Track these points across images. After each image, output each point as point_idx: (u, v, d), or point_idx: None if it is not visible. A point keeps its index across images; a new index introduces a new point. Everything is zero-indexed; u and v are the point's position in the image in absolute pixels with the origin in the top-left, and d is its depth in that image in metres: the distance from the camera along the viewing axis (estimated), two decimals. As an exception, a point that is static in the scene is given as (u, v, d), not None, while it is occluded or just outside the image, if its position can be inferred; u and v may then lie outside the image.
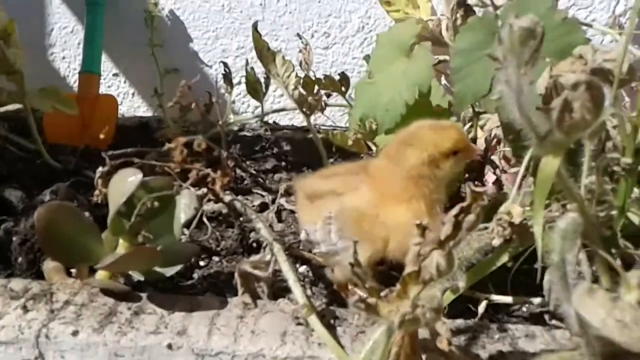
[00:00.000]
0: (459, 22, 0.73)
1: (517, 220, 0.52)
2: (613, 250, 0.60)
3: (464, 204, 0.49)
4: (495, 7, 0.69)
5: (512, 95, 0.39)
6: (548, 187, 0.45)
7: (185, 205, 0.61)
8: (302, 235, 0.65)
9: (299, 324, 0.55)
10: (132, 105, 1.26)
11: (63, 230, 0.59)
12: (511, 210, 0.53)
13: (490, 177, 0.99)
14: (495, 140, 0.87)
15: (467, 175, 0.97)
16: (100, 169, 0.63)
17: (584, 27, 0.98)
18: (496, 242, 0.55)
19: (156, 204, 0.59)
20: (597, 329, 0.31)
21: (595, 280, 0.58)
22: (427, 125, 0.63)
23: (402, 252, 0.54)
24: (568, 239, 0.44)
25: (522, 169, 0.56)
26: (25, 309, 0.56)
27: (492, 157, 0.95)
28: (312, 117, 0.99)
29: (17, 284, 0.60)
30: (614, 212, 0.58)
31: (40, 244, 0.63)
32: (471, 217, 0.48)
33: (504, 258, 0.59)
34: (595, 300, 0.32)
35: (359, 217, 0.62)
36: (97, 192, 0.63)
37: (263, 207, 0.90)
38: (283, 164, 1.09)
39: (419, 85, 0.67)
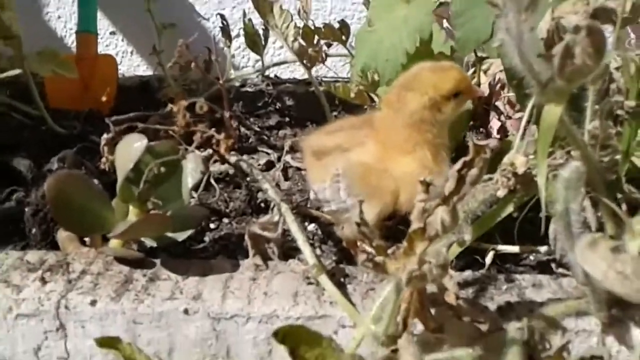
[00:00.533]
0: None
1: (520, 170, 0.52)
2: (618, 195, 0.60)
3: (467, 158, 0.49)
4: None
5: (512, 43, 0.39)
6: (551, 136, 0.45)
7: (192, 169, 0.62)
8: (311, 195, 0.66)
9: (309, 283, 0.57)
10: (132, 64, 1.25)
11: (74, 200, 0.59)
12: (515, 160, 0.53)
13: (495, 124, 0.98)
14: (499, 85, 0.86)
15: (471, 122, 0.96)
16: (104, 135, 0.63)
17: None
18: (501, 193, 0.56)
19: (163, 169, 0.60)
20: (599, 281, 0.31)
21: (601, 226, 0.59)
22: (427, 67, 0.62)
23: (413, 204, 0.54)
24: (572, 188, 0.44)
25: (525, 116, 0.56)
26: (43, 280, 0.57)
27: (497, 103, 0.94)
28: (314, 69, 0.97)
29: (33, 256, 0.61)
30: (618, 157, 0.58)
31: (52, 214, 0.63)
32: (474, 171, 0.48)
33: (509, 208, 0.59)
34: (597, 253, 0.32)
35: (366, 172, 0.62)
36: (103, 159, 0.63)
37: (269, 166, 0.90)
38: (287, 119, 1.08)
39: (419, 32, 0.65)
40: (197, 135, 0.66)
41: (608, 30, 0.54)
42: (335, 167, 0.62)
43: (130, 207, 0.62)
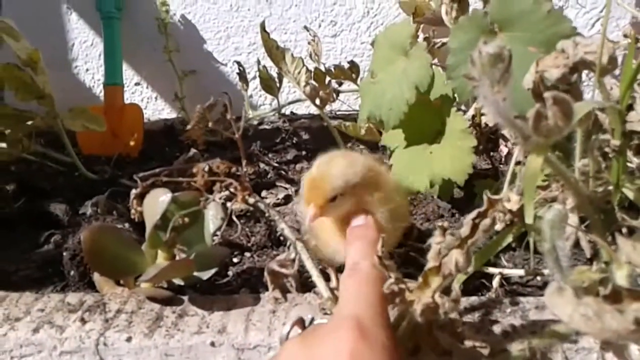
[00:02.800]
0: (454, 14, 0.76)
1: (514, 207, 0.57)
2: (614, 222, 0.64)
3: (481, 209, 0.55)
4: (485, 2, 0.72)
5: (491, 107, 0.44)
6: (535, 182, 0.49)
7: (212, 215, 0.67)
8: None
9: (325, 314, 0.61)
10: (157, 108, 1.33)
11: (107, 249, 0.65)
12: (508, 198, 0.57)
13: (503, 149, 1.03)
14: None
15: (481, 147, 1.01)
16: (133, 190, 0.69)
17: None
18: (498, 226, 0.60)
19: (187, 219, 0.65)
20: (567, 322, 0.36)
21: (596, 253, 0.63)
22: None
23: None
24: (556, 228, 0.48)
25: (514, 156, 0.60)
26: (83, 320, 0.63)
27: (503, 131, 0.98)
28: (327, 106, 1.03)
29: (72, 297, 0.67)
30: (611, 188, 0.62)
31: (88, 263, 0.69)
32: (487, 221, 0.54)
33: (508, 239, 0.63)
34: (563, 298, 0.36)
35: None
36: (133, 211, 0.69)
37: (287, 199, 0.96)
38: (303, 152, 1.14)
39: (418, 85, 0.71)
40: (217, 186, 0.72)
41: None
42: None
43: (159, 252, 0.68)
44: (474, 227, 0.53)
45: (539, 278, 0.73)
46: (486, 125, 0.98)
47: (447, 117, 0.77)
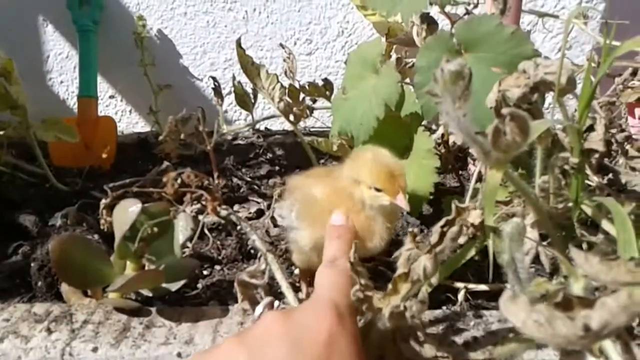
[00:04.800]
0: (423, 34, 0.79)
1: (475, 221, 0.59)
2: (573, 238, 0.67)
3: (449, 217, 0.56)
4: (453, 22, 0.74)
5: (452, 123, 0.46)
6: (495, 196, 0.51)
7: (182, 227, 0.68)
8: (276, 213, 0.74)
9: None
10: (130, 121, 1.33)
11: (75, 259, 0.65)
12: (469, 213, 0.59)
13: (472, 167, 1.05)
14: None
15: (451, 166, 1.03)
16: (102, 200, 0.70)
17: (552, 18, 1.04)
18: (461, 240, 0.62)
19: (156, 229, 0.66)
20: (520, 327, 0.37)
21: (556, 268, 0.65)
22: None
23: None
24: (514, 241, 0.50)
25: (475, 172, 0.62)
26: (49, 330, 0.62)
27: (471, 150, 1.01)
28: (300, 122, 1.05)
29: (39, 308, 0.67)
30: (570, 205, 0.65)
31: (57, 272, 0.69)
32: (455, 229, 0.57)
33: (471, 252, 0.65)
34: (516, 305, 0.38)
35: (313, 204, 0.68)
36: (102, 221, 0.69)
37: (259, 214, 0.97)
38: (277, 168, 1.15)
39: (387, 101, 0.73)
40: (187, 197, 0.72)
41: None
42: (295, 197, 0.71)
43: (128, 262, 0.68)
44: (442, 235, 0.55)
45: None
46: (454, 144, 1.01)
47: (416, 135, 0.79)
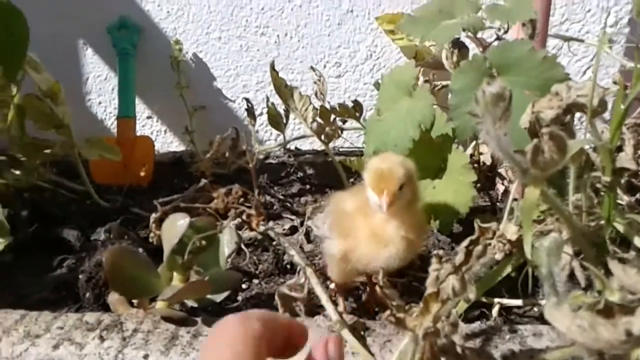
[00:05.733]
0: (454, 58, 0.82)
1: (512, 237, 0.61)
2: (605, 255, 0.68)
3: (473, 237, 0.59)
4: (484, 48, 0.78)
5: (492, 142, 0.48)
6: (532, 212, 0.53)
7: (227, 240, 0.71)
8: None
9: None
10: (166, 141, 1.37)
11: (126, 270, 0.69)
12: (507, 229, 0.61)
13: (500, 187, 1.07)
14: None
15: (479, 185, 1.06)
16: (153, 214, 0.73)
17: (577, 42, 1.06)
18: (498, 256, 0.64)
19: (203, 242, 0.69)
20: (565, 333, 0.40)
21: (590, 283, 0.66)
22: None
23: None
24: (552, 255, 0.53)
25: (513, 190, 0.65)
26: (101, 338, 0.65)
27: (500, 170, 1.04)
28: (331, 143, 1.08)
29: (90, 317, 0.70)
30: (602, 223, 0.67)
31: (108, 282, 0.72)
32: (479, 248, 0.59)
33: (508, 269, 0.67)
34: (561, 312, 0.40)
35: (344, 217, 0.70)
36: (152, 234, 0.73)
37: (293, 230, 0.99)
38: (307, 187, 1.18)
39: (422, 123, 0.76)
40: (232, 212, 0.76)
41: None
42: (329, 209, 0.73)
43: (175, 274, 0.71)
44: (468, 254, 0.58)
45: (536, 309, 0.77)
46: (484, 163, 1.03)
47: (449, 154, 0.82)
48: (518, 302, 0.74)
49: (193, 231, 0.70)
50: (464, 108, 0.72)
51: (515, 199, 0.66)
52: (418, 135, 0.76)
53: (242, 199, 0.76)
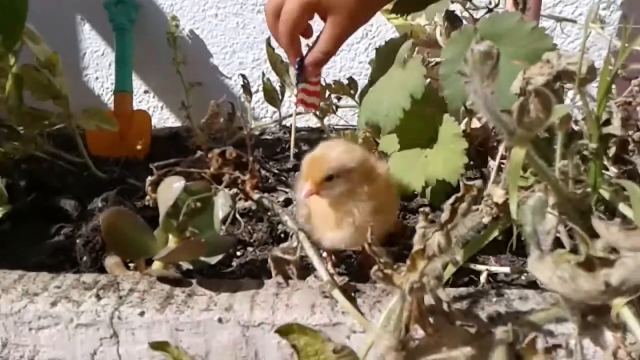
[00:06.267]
0: (448, 31, 0.83)
1: (499, 200, 0.62)
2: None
3: (458, 195, 0.60)
4: (475, 21, 0.79)
5: (480, 102, 0.50)
6: (518, 172, 0.55)
7: (222, 204, 0.73)
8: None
9: (325, 297, 0.65)
10: (162, 117, 1.39)
11: (123, 231, 0.70)
12: (493, 192, 0.63)
13: (492, 162, 1.09)
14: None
15: (472, 162, 1.07)
16: (149, 177, 0.74)
17: (569, 23, 1.08)
18: (485, 220, 0.66)
19: (198, 204, 0.70)
20: (546, 284, 0.41)
21: (575, 248, 0.68)
22: None
23: None
24: (537, 214, 0.54)
25: (498, 156, 0.66)
26: (98, 297, 0.67)
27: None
28: (326, 119, 1.10)
29: (87, 277, 0.71)
30: (589, 190, 0.68)
31: (106, 243, 0.74)
32: (464, 205, 0.60)
33: (495, 233, 0.68)
34: (543, 264, 0.42)
35: None
36: (147, 197, 0.74)
37: (287, 202, 1.01)
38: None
39: (413, 93, 0.77)
40: (226, 177, 0.77)
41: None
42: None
43: (170, 236, 0.73)
44: (453, 212, 0.59)
45: (523, 277, 0.79)
46: (477, 137, 1.05)
47: (440, 126, 0.83)
48: (505, 269, 0.76)
49: (187, 195, 0.71)
50: (454, 77, 0.74)
51: (502, 163, 0.67)
52: (409, 105, 0.78)
53: (236, 165, 0.77)
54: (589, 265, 0.45)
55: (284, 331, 0.56)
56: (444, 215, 0.59)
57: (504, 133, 0.54)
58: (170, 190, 0.70)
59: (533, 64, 0.63)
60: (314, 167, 0.65)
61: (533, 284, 0.75)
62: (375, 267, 0.56)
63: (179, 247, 0.67)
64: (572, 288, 0.43)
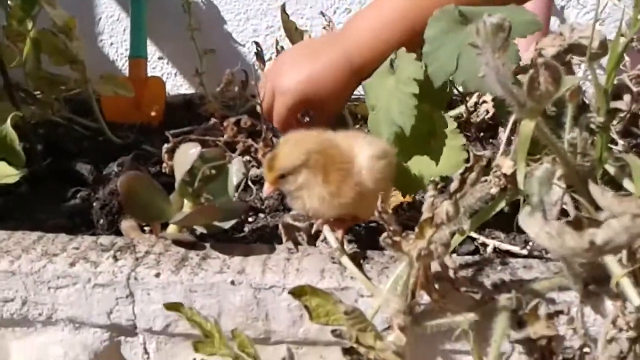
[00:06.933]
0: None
1: (507, 171, 0.63)
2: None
3: (468, 165, 0.62)
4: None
5: (492, 74, 0.51)
6: (527, 143, 0.56)
7: (236, 170, 0.74)
8: None
9: (334, 262, 0.67)
10: (176, 84, 1.40)
11: (140, 194, 0.72)
12: (501, 163, 0.64)
13: (502, 136, 1.10)
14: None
15: (482, 134, 1.08)
16: (165, 145, 0.76)
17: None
18: (494, 190, 0.67)
19: (212, 171, 0.72)
20: (534, 238, 0.43)
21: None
22: None
23: None
24: (544, 184, 0.55)
25: (508, 128, 0.67)
26: (115, 258, 0.69)
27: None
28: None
29: (104, 239, 0.74)
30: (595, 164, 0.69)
31: (123, 206, 0.76)
32: (473, 175, 0.62)
33: (502, 204, 0.70)
34: (533, 219, 0.44)
35: None
36: (164, 164, 0.76)
37: (297, 169, 1.02)
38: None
39: (415, 77, 0.74)
40: (240, 145, 0.79)
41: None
42: None
43: (185, 201, 0.75)
44: (462, 181, 0.61)
45: (528, 247, 0.80)
46: (487, 111, 1.06)
47: (437, 123, 0.83)
48: (515, 248, 0.78)
49: (203, 161, 0.73)
50: (436, 54, 0.74)
51: (511, 135, 0.68)
52: (417, 90, 0.75)
53: (249, 133, 0.78)
54: (578, 224, 0.46)
55: (297, 293, 0.58)
56: (453, 185, 0.61)
57: (514, 104, 0.55)
58: (186, 156, 0.72)
59: (513, 38, 0.63)
60: (267, 167, 0.67)
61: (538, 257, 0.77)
62: (384, 234, 0.58)
63: (194, 212, 0.69)
64: (558, 244, 0.44)
